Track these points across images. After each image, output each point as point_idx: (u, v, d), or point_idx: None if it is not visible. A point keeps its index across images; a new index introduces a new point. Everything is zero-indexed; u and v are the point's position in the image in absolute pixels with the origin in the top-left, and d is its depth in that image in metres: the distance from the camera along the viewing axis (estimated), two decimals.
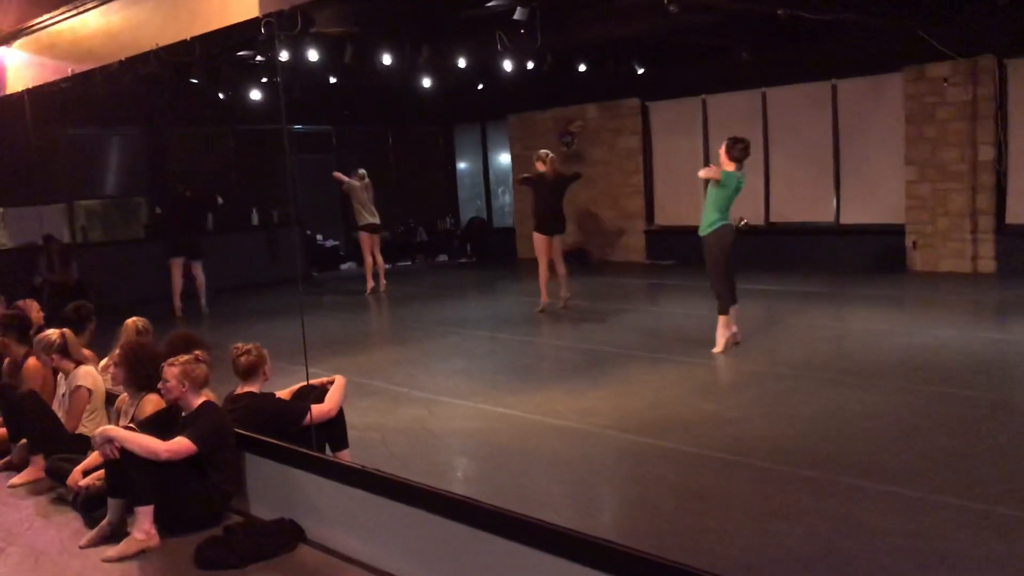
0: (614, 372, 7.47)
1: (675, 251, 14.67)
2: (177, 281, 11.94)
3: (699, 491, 4.81)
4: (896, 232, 12.22)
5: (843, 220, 12.97)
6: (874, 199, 12.56)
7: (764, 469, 5.04)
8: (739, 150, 7.83)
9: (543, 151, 10.66)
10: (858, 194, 12.82)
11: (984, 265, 11.56)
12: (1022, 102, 11.22)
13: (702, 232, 8.10)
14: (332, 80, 13.53)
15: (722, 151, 7.96)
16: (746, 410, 6.23)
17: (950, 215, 11.68)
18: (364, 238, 12.93)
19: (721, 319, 7.99)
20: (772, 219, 13.67)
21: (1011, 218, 11.45)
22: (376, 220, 12.95)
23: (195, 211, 12.63)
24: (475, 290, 13.55)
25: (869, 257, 12.50)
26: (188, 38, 5.80)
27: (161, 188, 13.95)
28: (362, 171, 13.09)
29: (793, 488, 4.76)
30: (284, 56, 10.26)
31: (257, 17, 4.85)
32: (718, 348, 7.89)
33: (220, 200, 12.07)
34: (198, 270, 12.11)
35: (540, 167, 10.45)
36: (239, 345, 4.96)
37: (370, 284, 12.87)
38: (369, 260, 12.94)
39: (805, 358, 7.67)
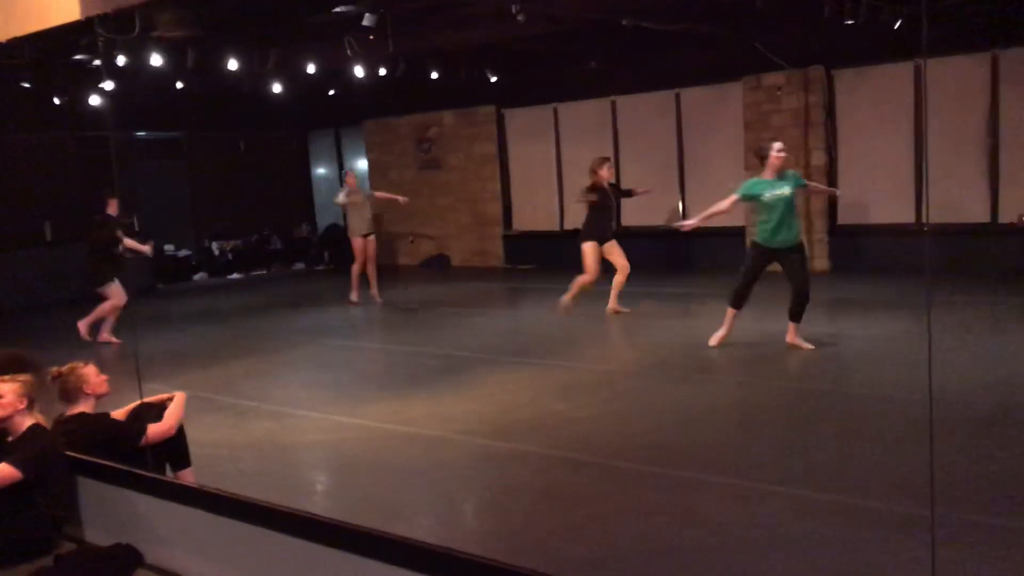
0: (470, 377, 7.50)
1: (534, 255, 14.89)
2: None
3: (549, 492, 4.88)
4: (739, 234, 12.77)
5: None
6: (717, 203, 13.07)
7: (612, 467, 5.16)
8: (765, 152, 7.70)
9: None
10: (703, 199, 13.28)
11: (820, 264, 12.23)
12: (848, 110, 11.97)
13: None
14: (179, 85, 13.08)
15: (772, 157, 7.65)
16: (597, 409, 6.37)
17: None
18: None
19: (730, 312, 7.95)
20: (625, 223, 14.04)
21: (842, 219, 12.18)
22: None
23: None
24: (333, 298, 13.31)
25: (715, 258, 13.02)
26: (4, 40, 5.46)
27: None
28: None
29: (640, 484, 4.89)
30: (122, 60, 9.85)
31: (79, 20, 4.61)
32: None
33: None
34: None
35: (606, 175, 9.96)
36: (55, 368, 4.69)
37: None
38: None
39: (655, 357, 7.92)
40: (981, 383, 6.39)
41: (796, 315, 7.72)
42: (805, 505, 4.45)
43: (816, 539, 4.06)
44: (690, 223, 8.22)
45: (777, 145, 7.72)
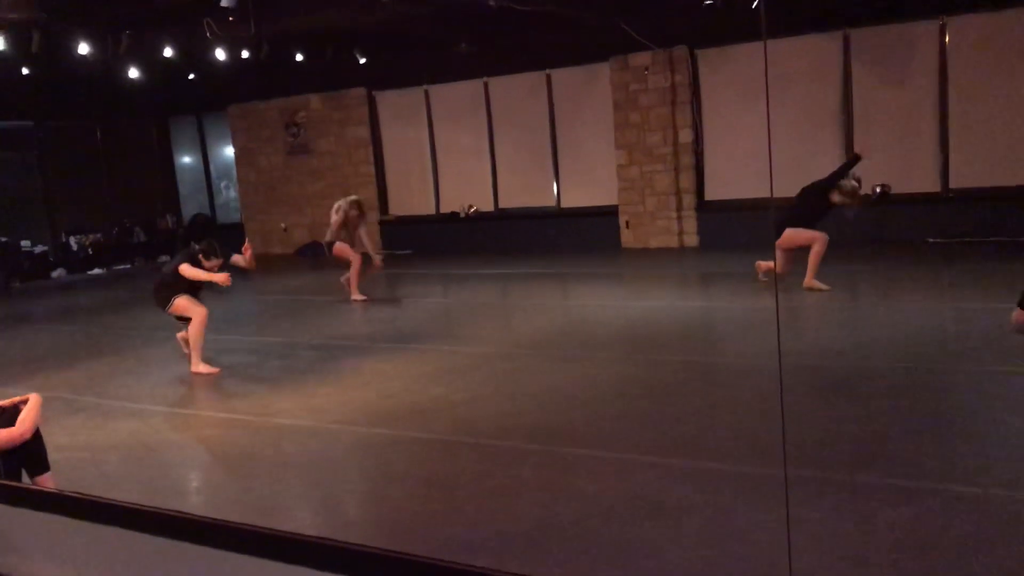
0: (346, 365, 7.40)
1: (411, 240, 14.78)
2: None
3: (427, 476, 4.87)
4: (611, 213, 13.03)
5: (564, 204, 13.64)
6: (590, 183, 13.32)
7: (489, 447, 5.19)
8: None
9: None
10: (576, 179, 13.53)
11: (689, 239, 12.60)
12: (712, 89, 12.34)
13: None
14: (25, 71, 12.36)
15: None
16: (474, 391, 6.38)
17: (657, 195, 12.61)
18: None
19: None
20: (501, 205, 14.12)
21: (709, 195, 12.57)
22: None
23: None
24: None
25: (588, 238, 13.23)
26: None
27: None
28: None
29: (515, 463, 4.93)
30: None
31: None
32: None
33: None
34: None
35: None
36: None
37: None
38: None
39: (532, 337, 7.98)
40: (836, 348, 6.71)
41: None
42: (675, 474, 4.58)
43: (685, 505, 4.18)
44: None
45: None
